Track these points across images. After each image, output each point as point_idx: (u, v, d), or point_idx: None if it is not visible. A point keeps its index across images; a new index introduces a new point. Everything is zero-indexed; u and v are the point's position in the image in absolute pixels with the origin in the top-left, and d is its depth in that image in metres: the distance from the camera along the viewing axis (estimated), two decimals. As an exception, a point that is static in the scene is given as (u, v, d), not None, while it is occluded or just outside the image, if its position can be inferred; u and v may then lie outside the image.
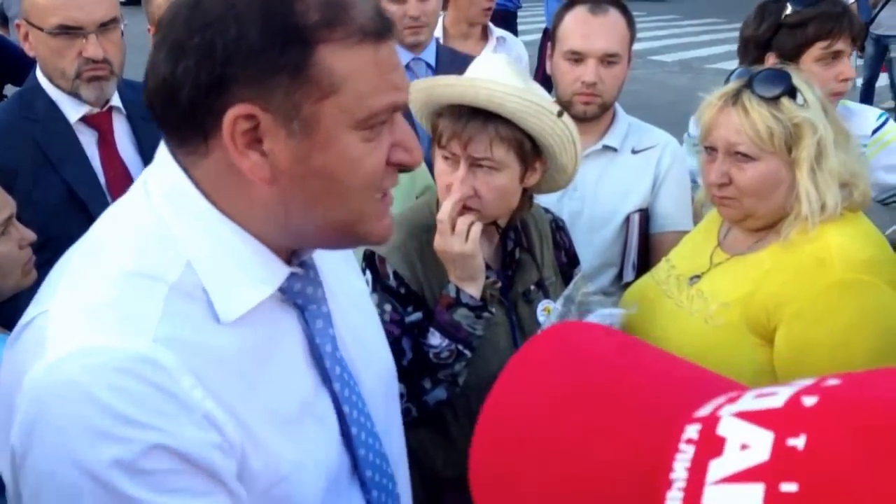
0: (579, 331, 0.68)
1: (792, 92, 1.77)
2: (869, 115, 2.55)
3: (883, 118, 2.54)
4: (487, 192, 1.81)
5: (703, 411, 0.53)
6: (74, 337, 0.93)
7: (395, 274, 1.87)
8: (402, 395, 1.82)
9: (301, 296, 1.10)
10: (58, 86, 2.34)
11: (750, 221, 1.87)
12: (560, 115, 1.83)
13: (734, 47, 2.75)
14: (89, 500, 0.89)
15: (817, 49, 2.41)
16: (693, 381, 0.60)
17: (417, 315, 1.87)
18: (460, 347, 1.82)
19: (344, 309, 1.20)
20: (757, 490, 0.47)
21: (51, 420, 0.90)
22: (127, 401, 0.90)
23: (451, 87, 1.79)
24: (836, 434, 0.47)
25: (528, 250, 2.01)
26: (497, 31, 3.93)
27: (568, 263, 2.12)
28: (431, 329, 1.83)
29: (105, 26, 2.31)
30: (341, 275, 1.24)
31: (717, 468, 0.49)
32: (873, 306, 1.70)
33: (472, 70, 1.91)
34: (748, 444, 0.49)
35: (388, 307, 1.85)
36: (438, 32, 3.81)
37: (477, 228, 1.80)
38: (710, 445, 0.50)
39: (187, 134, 1.00)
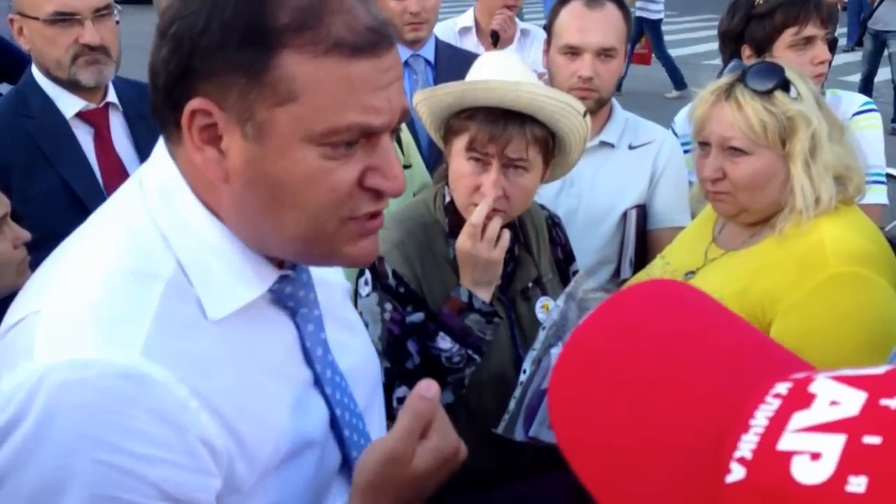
0: (682, 288, 0.70)
1: (785, 85, 1.77)
2: (855, 100, 2.58)
3: (869, 105, 2.57)
4: (516, 192, 1.81)
5: (800, 375, 0.55)
6: (63, 345, 0.90)
7: (395, 273, 1.85)
8: (404, 399, 1.82)
9: (292, 298, 1.09)
10: (54, 77, 2.33)
11: (744, 216, 1.87)
12: (585, 114, 1.84)
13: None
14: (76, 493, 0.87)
15: (788, 36, 2.46)
16: (788, 357, 0.63)
17: (419, 315, 1.85)
18: (470, 352, 1.81)
19: (330, 307, 1.19)
20: (837, 440, 0.48)
21: (34, 426, 0.87)
22: (111, 426, 0.87)
23: (491, 91, 1.76)
24: None
25: (526, 248, 2.00)
26: (521, 24, 3.90)
27: (564, 260, 2.11)
28: (441, 333, 1.81)
29: (99, 12, 2.31)
30: (325, 274, 1.22)
31: (801, 419, 0.51)
32: (867, 299, 1.70)
33: (482, 68, 1.89)
34: (838, 401, 0.50)
35: (388, 306, 1.83)
36: (471, 22, 3.83)
37: (506, 235, 1.80)
38: (799, 400, 0.52)
39: (166, 122, 0.99)
